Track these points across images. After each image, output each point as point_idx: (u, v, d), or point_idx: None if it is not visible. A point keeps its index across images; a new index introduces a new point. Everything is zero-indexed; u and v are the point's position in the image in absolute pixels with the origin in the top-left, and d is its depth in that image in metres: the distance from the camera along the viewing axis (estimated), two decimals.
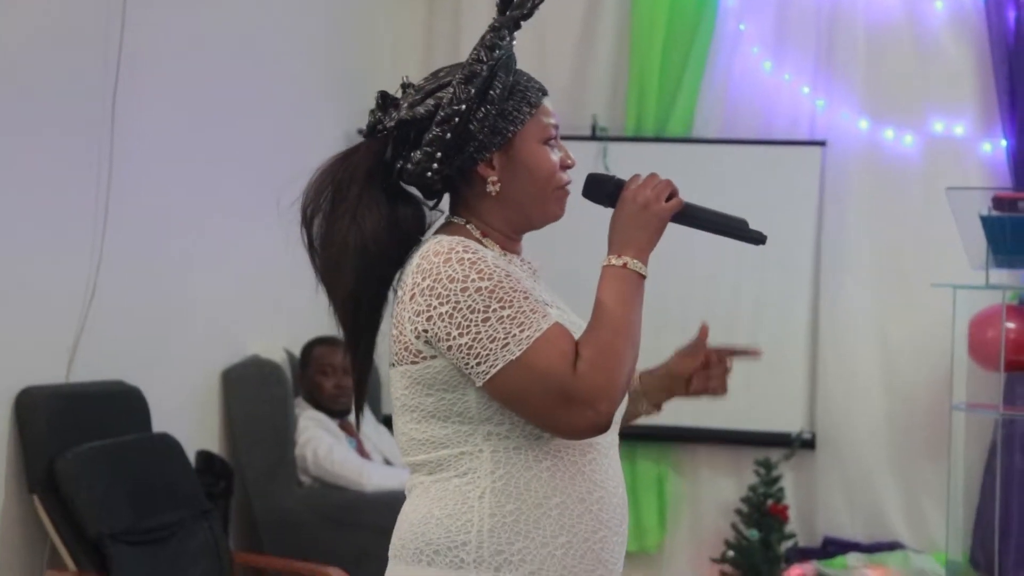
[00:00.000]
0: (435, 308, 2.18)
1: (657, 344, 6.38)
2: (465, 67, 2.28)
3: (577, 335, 2.23)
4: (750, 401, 6.32)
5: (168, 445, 5.04)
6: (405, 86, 2.39)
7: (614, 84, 6.60)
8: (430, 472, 2.28)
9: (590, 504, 2.26)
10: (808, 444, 6.32)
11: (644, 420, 2.73)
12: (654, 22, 6.44)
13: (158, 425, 5.09)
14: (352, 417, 5.71)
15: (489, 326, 2.16)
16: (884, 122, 6.35)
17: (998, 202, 5.38)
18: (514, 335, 2.15)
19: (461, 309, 2.16)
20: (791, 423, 6.31)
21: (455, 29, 6.73)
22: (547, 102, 2.39)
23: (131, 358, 5.05)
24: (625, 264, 2.27)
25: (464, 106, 2.26)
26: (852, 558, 6.06)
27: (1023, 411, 5.86)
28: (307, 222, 2.32)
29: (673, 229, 6.08)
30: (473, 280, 2.17)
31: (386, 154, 2.33)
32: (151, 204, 5.15)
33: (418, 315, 2.20)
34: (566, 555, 2.23)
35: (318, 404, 5.67)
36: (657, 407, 2.64)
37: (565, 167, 2.39)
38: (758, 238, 2.42)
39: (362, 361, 2.36)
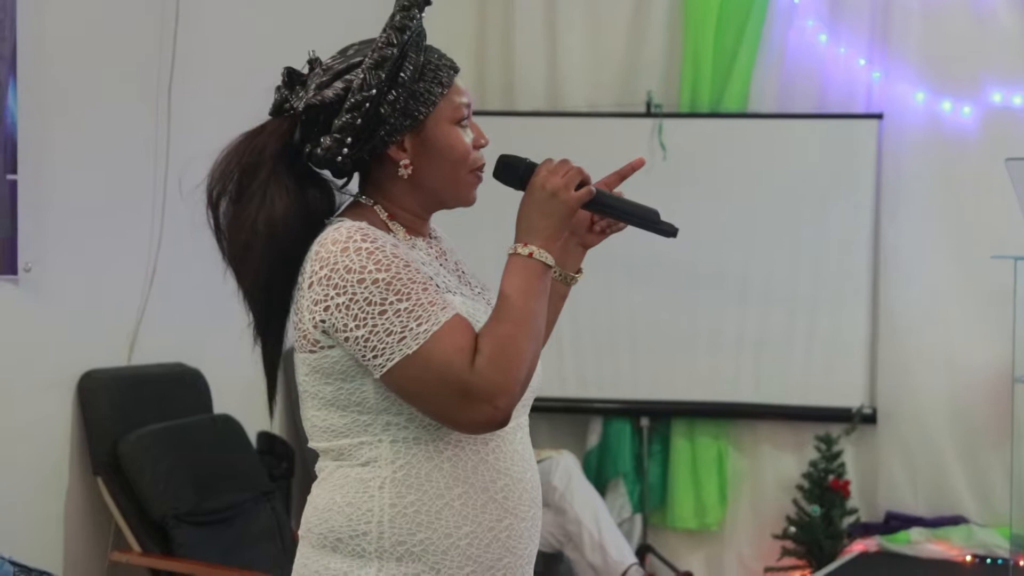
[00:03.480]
0: (332, 299, 2.13)
1: (719, 321, 6.39)
2: (375, 50, 2.22)
3: (483, 322, 2.20)
4: (810, 376, 6.32)
5: (230, 426, 5.07)
6: (312, 62, 2.34)
7: (668, 60, 6.56)
8: (334, 459, 2.26)
9: (494, 493, 2.23)
10: (869, 419, 6.27)
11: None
12: None
13: (219, 406, 5.13)
14: None
15: (386, 319, 2.11)
16: (941, 93, 6.29)
17: None
18: (411, 329, 2.11)
19: (358, 301, 2.12)
20: (851, 398, 6.27)
21: (508, 25, 6.71)
22: (459, 80, 2.32)
23: (191, 340, 5.09)
24: (531, 253, 2.22)
25: (374, 91, 2.21)
26: (915, 533, 6.02)
27: None
28: (213, 205, 2.26)
29: (737, 205, 6.01)
30: (371, 271, 2.12)
31: (294, 136, 2.28)
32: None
33: (316, 304, 2.15)
34: (470, 545, 2.21)
35: None
36: (577, 271, 2.54)
37: (478, 147, 2.34)
38: (669, 230, 2.35)
39: (271, 349, 2.33)
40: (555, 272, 2.50)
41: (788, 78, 6.44)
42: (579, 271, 2.55)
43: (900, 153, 6.30)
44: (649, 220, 2.37)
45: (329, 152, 2.24)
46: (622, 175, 2.46)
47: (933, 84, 6.29)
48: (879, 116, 6.30)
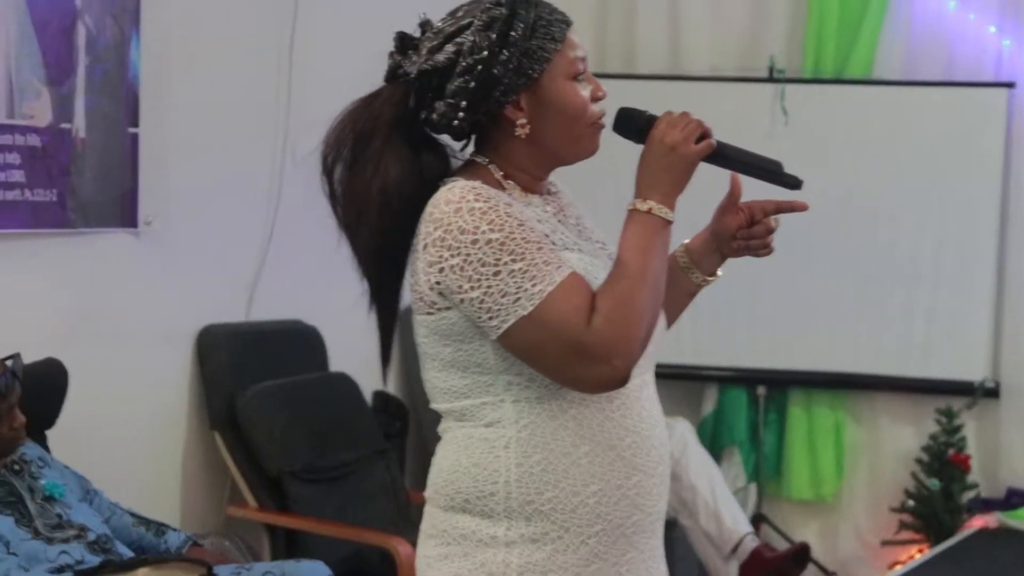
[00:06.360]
0: (446, 260, 2.12)
1: (839, 290, 6.28)
2: (483, 11, 2.21)
3: (603, 278, 2.17)
4: (931, 348, 6.21)
5: (345, 384, 5.09)
6: (423, 25, 2.31)
7: (792, 24, 6.45)
8: (457, 419, 2.25)
9: (621, 451, 2.21)
10: (992, 393, 6.16)
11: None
12: None
13: (335, 364, 5.15)
14: None
15: (500, 280, 2.09)
16: None
17: None
18: (525, 289, 2.09)
19: (472, 262, 2.10)
20: (974, 371, 6.15)
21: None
22: (572, 34, 2.28)
23: (309, 297, 5.11)
24: (650, 209, 2.19)
25: (486, 53, 2.18)
26: None
27: None
28: (328, 171, 2.26)
29: (860, 173, 5.87)
30: (484, 232, 2.11)
31: (409, 102, 2.26)
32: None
33: (431, 266, 2.14)
34: (599, 503, 2.19)
35: None
36: (712, 273, 2.51)
37: (596, 99, 2.30)
38: (792, 182, 2.31)
39: (386, 314, 2.32)
40: (694, 275, 2.50)
41: (915, 44, 6.31)
42: (714, 274, 2.52)
43: None
44: (772, 172, 2.32)
45: (444, 117, 2.23)
46: (780, 208, 2.43)
47: None
48: (1010, 85, 6.16)
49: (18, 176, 4.06)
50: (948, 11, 6.28)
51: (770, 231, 2.45)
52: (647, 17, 6.55)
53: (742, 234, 2.46)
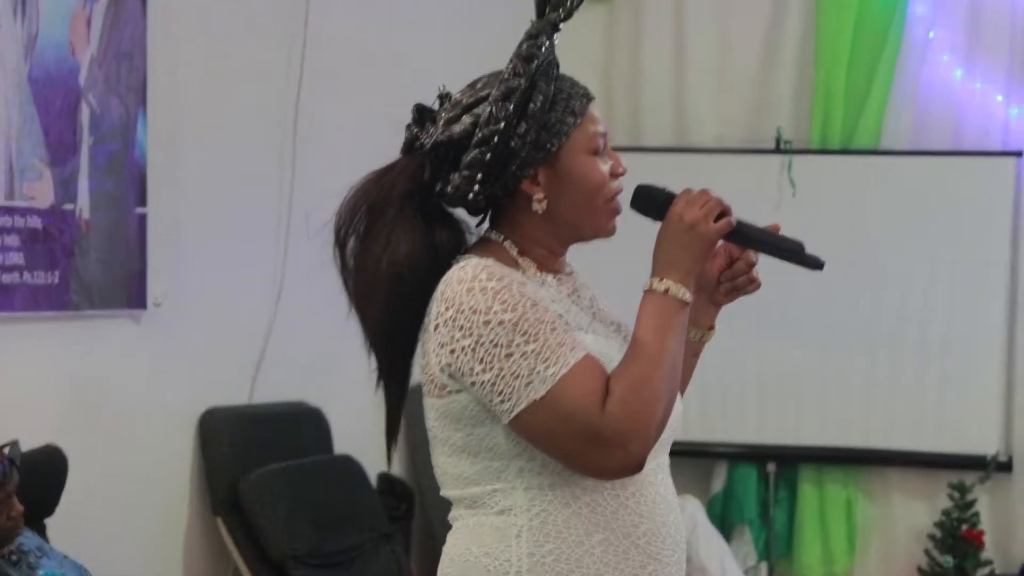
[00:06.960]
0: (457, 341, 2.07)
1: (848, 364, 6.20)
2: (502, 82, 2.16)
3: (617, 360, 2.12)
4: (943, 422, 6.15)
5: (350, 467, 5.04)
6: (443, 97, 2.27)
7: (799, 95, 6.44)
8: (468, 507, 2.19)
9: (636, 539, 2.15)
10: (1004, 467, 6.09)
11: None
12: (840, 30, 6.27)
13: (340, 447, 5.09)
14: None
15: (512, 362, 2.05)
16: None
17: None
18: (538, 372, 2.04)
19: (484, 343, 2.05)
20: (986, 445, 6.09)
21: (635, 60, 6.60)
22: (593, 108, 2.23)
23: (313, 379, 5.06)
24: (667, 290, 2.14)
25: (502, 124, 2.13)
26: None
27: None
28: (341, 243, 2.20)
29: (868, 244, 5.82)
30: (496, 312, 2.06)
31: (424, 175, 2.21)
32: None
33: (441, 347, 2.09)
34: None
35: None
36: (710, 328, 2.44)
37: (615, 176, 2.25)
38: (814, 263, 2.24)
39: (395, 392, 2.26)
40: (691, 332, 2.40)
41: (922, 114, 6.30)
42: (711, 327, 2.45)
43: None
44: (794, 252, 2.26)
45: (459, 190, 2.18)
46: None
47: None
48: (1017, 154, 6.14)
49: (17, 258, 4.01)
50: (955, 81, 6.27)
51: (751, 265, 2.38)
52: (653, 89, 6.53)
53: (725, 276, 2.39)
